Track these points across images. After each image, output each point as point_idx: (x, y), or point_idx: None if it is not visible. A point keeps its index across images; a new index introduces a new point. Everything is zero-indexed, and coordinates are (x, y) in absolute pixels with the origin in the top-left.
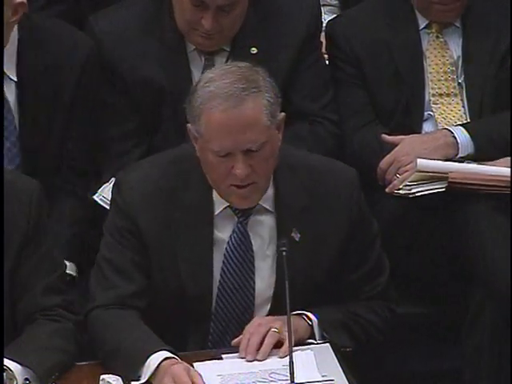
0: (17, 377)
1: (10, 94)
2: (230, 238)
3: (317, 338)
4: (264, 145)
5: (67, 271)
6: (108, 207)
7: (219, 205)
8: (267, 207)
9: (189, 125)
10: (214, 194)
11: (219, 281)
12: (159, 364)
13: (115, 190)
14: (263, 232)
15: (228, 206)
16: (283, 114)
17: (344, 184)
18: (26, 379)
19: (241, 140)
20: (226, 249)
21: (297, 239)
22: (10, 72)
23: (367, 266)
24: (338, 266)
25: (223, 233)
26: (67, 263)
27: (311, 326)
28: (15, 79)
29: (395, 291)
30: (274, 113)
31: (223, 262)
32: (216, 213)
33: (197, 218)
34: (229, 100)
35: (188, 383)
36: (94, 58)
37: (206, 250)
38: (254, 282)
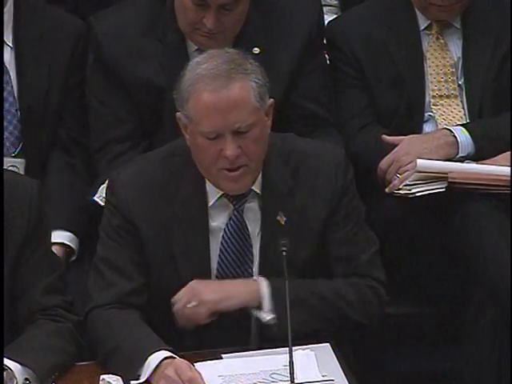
0: (17, 376)
1: (8, 58)
2: (227, 226)
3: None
4: (253, 126)
5: (66, 242)
6: None
7: (213, 196)
8: (258, 191)
9: (178, 113)
10: (207, 186)
11: (217, 269)
12: (159, 363)
13: (108, 190)
14: (256, 217)
15: (222, 195)
16: (272, 100)
17: (329, 163)
18: (26, 379)
19: (229, 119)
20: (223, 236)
21: (282, 223)
22: (8, 39)
23: (347, 242)
24: (321, 245)
25: (218, 222)
26: (68, 233)
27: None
28: (11, 45)
29: (388, 284)
30: (263, 96)
31: (220, 249)
32: (210, 204)
33: (191, 211)
34: (216, 80)
35: (194, 376)
36: (84, 33)
37: (202, 241)
38: (252, 270)
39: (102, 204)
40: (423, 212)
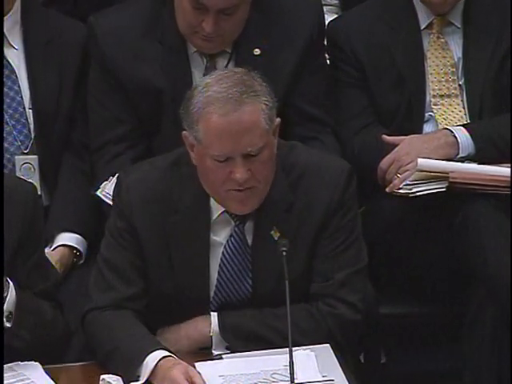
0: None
1: (18, 61)
2: (227, 242)
3: (213, 347)
4: (262, 149)
5: (73, 244)
6: (111, 203)
7: (216, 210)
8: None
9: (185, 132)
10: (211, 200)
11: (216, 285)
12: (157, 363)
13: (115, 190)
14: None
15: (225, 211)
16: (279, 119)
17: (330, 178)
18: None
19: (240, 143)
20: (223, 252)
21: (276, 238)
22: (14, 41)
23: (329, 258)
24: (311, 258)
25: (220, 237)
26: (76, 236)
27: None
28: (16, 47)
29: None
30: (272, 117)
31: (220, 265)
32: (213, 218)
33: (193, 223)
34: (227, 104)
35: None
36: (88, 39)
37: (202, 254)
38: (250, 286)
39: (105, 199)
40: (423, 212)
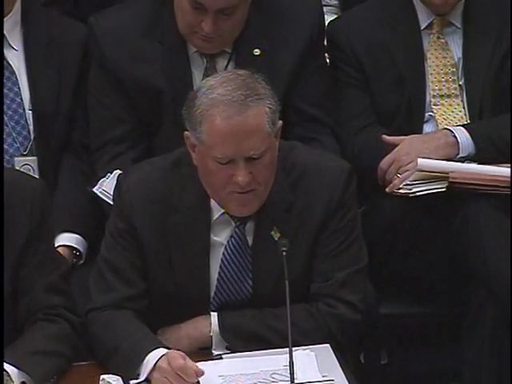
0: (14, 380)
1: (18, 62)
2: (228, 242)
3: (213, 347)
4: (265, 152)
5: (73, 245)
6: (108, 200)
7: (217, 211)
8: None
9: (187, 132)
10: (212, 201)
11: (216, 285)
12: (157, 362)
13: (116, 191)
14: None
15: (225, 212)
16: (281, 122)
17: (330, 178)
18: (23, 382)
19: (243, 147)
20: (224, 253)
21: (276, 238)
22: (14, 42)
23: (329, 258)
24: (311, 258)
25: (220, 237)
26: (75, 236)
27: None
28: (16, 48)
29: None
30: (275, 120)
31: (220, 266)
32: (214, 219)
33: (194, 223)
34: (232, 107)
35: (185, 365)
36: (88, 39)
37: (203, 255)
38: (251, 286)
39: (102, 196)
40: (423, 212)
